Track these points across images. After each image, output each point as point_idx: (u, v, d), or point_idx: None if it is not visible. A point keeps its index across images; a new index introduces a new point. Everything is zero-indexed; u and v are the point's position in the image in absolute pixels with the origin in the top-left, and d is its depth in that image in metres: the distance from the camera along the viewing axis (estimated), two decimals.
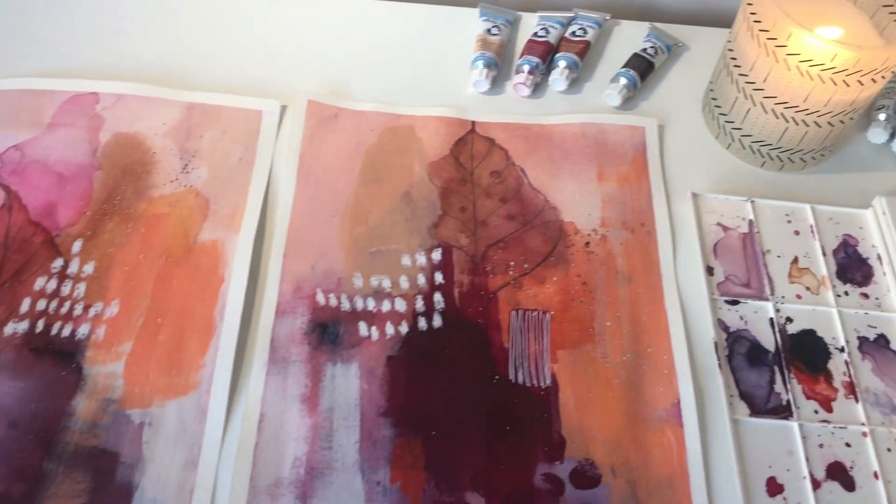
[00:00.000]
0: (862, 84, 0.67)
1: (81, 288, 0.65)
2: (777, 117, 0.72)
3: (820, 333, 0.68)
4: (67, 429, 0.59)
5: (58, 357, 0.62)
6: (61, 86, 0.76)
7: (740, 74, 0.73)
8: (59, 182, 0.70)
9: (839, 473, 0.61)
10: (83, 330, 0.63)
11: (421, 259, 0.69)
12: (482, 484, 0.59)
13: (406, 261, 0.69)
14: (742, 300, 0.69)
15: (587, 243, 0.71)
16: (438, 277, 0.68)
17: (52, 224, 0.68)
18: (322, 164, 0.74)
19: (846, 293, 0.71)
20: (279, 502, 0.57)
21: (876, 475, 0.61)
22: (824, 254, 0.72)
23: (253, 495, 0.57)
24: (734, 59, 0.73)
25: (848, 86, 0.67)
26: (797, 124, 0.72)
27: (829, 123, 0.71)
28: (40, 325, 0.63)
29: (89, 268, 0.66)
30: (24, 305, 0.64)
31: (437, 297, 0.67)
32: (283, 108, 0.78)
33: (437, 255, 0.70)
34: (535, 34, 0.83)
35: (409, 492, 0.58)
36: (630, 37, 0.86)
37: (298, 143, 0.75)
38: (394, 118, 0.78)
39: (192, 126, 0.75)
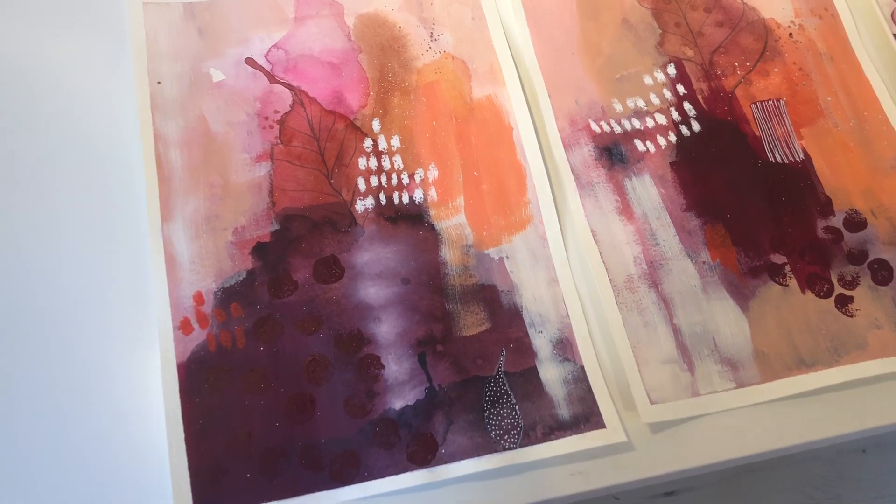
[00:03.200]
0: None
1: (398, 160, 0.74)
2: None
3: None
4: (448, 275, 0.70)
5: (410, 220, 0.71)
6: None
7: None
8: (333, 70, 0.76)
9: None
10: (418, 194, 0.72)
11: (660, 76, 0.79)
12: (780, 245, 0.73)
13: (648, 80, 0.79)
14: None
15: (790, 34, 0.82)
16: (681, 89, 0.79)
17: (346, 109, 0.75)
18: (543, 8, 0.82)
19: None
20: (637, 293, 0.70)
21: None
22: None
23: (616, 292, 0.70)
24: None
25: None
26: None
27: None
28: (382, 197, 0.72)
29: (396, 141, 0.74)
30: (361, 184, 0.72)
31: (687, 105, 0.78)
32: None
33: (671, 70, 0.80)
34: None
35: (728, 264, 0.72)
36: None
37: None
38: None
39: None
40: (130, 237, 0.69)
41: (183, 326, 0.66)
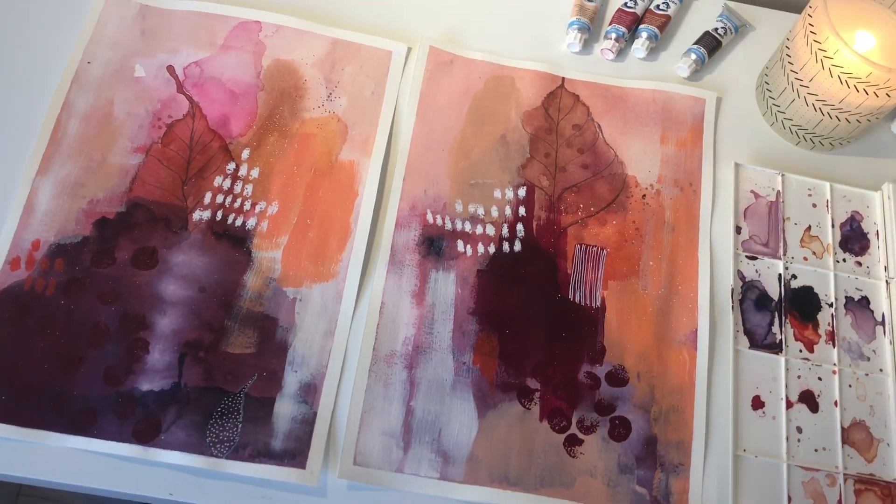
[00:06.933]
0: (889, 96, 0.82)
1: (249, 188, 0.84)
2: (816, 111, 0.87)
3: (816, 290, 0.86)
4: (241, 297, 0.80)
5: (233, 241, 0.82)
6: (231, 12, 0.92)
7: (792, 71, 0.88)
8: (231, 98, 0.88)
9: (808, 399, 0.81)
10: (251, 222, 0.83)
11: (509, 194, 0.88)
12: (540, 373, 0.80)
13: (497, 194, 0.88)
14: (760, 257, 0.87)
15: (644, 196, 0.89)
16: (521, 211, 0.87)
17: (226, 133, 0.86)
18: (437, 103, 0.91)
19: (844, 260, 0.88)
20: (392, 368, 0.78)
21: (836, 403, 0.81)
22: (833, 225, 0.90)
23: (374, 361, 0.79)
24: (789, 57, 0.88)
25: (877, 96, 0.82)
26: (831, 118, 0.87)
27: (858, 121, 0.87)
28: (219, 214, 0.83)
29: (255, 173, 0.85)
30: (207, 198, 0.83)
31: (519, 226, 0.86)
32: (409, 50, 0.94)
33: (522, 192, 0.88)
34: (626, 4, 0.98)
35: (486, 372, 0.80)
36: (705, 13, 1.00)
37: (419, 83, 0.92)
38: (498, 68, 0.94)
39: (335, 59, 0.92)
40: (6, 178, 0.82)
41: (13, 262, 0.78)
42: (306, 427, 0.75)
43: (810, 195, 0.91)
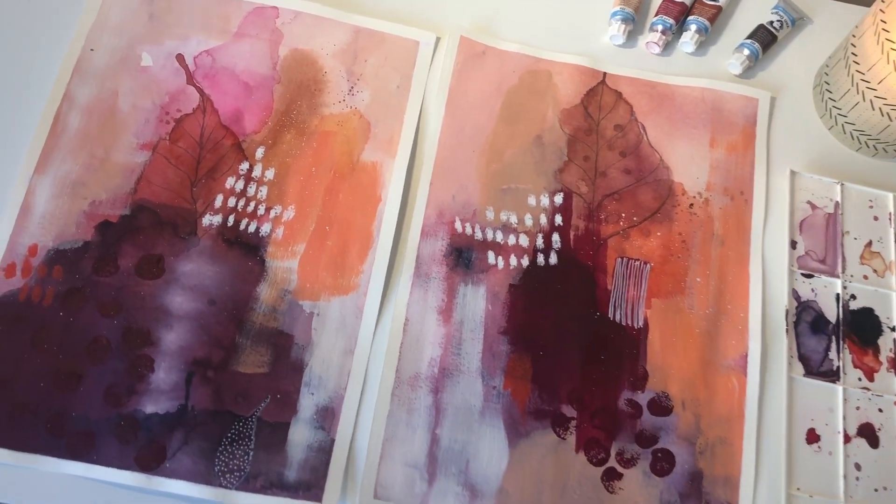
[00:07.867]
0: None
1: (264, 191, 0.78)
2: (883, 115, 0.80)
3: (877, 312, 0.79)
4: (254, 310, 0.73)
5: (245, 249, 0.75)
6: None
7: (857, 71, 0.80)
8: (245, 91, 0.81)
9: (868, 432, 0.75)
10: (265, 228, 0.76)
11: (545, 200, 0.81)
12: (576, 399, 0.74)
13: (532, 201, 0.81)
14: (816, 275, 0.80)
15: (691, 205, 0.82)
16: (558, 219, 0.80)
17: (239, 129, 0.80)
18: (467, 99, 0.84)
19: None
20: (417, 392, 0.72)
21: None
22: None
23: (397, 384, 0.72)
24: (855, 55, 0.80)
25: None
26: None
27: None
28: (231, 219, 0.76)
29: (270, 174, 0.78)
30: (218, 201, 0.77)
31: (556, 237, 0.79)
32: (438, 41, 0.86)
33: (559, 199, 0.81)
34: None
35: (518, 398, 0.73)
36: (760, 5, 0.92)
37: (449, 76, 0.85)
38: (534, 62, 0.87)
39: (358, 50, 0.84)
40: (1, 176, 0.76)
41: (7, 269, 0.72)
42: (323, 456, 0.69)
43: (871, 207, 0.83)
